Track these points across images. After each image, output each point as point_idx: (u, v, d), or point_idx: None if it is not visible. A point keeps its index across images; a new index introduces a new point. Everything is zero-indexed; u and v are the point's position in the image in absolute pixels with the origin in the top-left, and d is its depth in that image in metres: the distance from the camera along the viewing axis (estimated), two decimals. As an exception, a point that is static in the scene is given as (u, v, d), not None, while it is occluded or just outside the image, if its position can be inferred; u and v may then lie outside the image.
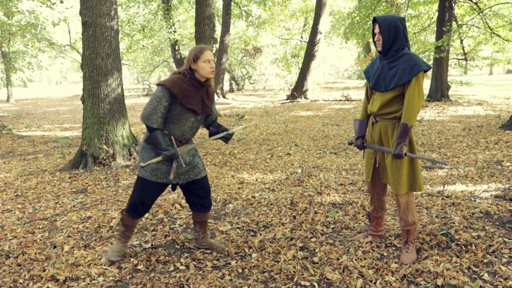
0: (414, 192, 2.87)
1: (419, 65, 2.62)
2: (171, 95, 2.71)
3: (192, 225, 3.37)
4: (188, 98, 2.76)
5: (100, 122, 6.21)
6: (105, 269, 2.85)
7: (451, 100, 13.15)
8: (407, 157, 2.74)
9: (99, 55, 6.13)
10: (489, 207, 3.76)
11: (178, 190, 4.39)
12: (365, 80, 3.30)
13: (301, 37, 26.50)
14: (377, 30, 2.74)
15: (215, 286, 2.58)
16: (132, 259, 2.97)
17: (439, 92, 13.22)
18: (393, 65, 2.73)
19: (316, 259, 2.89)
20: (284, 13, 23.24)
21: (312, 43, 16.18)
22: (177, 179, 2.89)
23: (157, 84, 2.77)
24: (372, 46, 29.30)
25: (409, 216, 2.83)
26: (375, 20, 2.76)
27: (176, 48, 18.33)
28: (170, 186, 2.96)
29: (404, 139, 2.65)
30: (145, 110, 2.72)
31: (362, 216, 3.73)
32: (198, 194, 3.02)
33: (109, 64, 6.20)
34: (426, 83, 19.94)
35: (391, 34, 2.69)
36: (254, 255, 3.01)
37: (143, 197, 2.87)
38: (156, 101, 2.70)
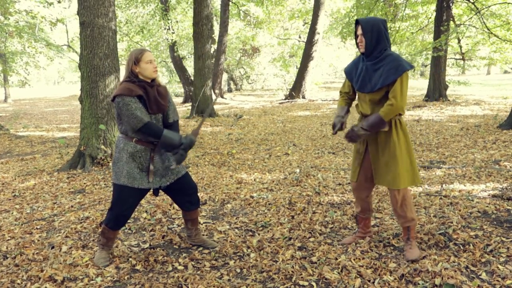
0: (412, 187, 2.86)
1: (403, 65, 2.67)
2: (137, 97, 2.70)
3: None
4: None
5: (98, 123, 6.20)
6: (103, 269, 2.85)
7: (449, 100, 13.18)
8: (405, 152, 2.77)
9: (97, 55, 6.12)
10: (487, 206, 3.77)
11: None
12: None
13: (299, 37, 26.49)
14: (359, 32, 2.78)
15: (214, 286, 2.58)
16: (130, 259, 2.97)
17: (437, 92, 13.25)
18: (378, 66, 2.76)
19: (314, 258, 2.89)
20: (282, 14, 23.22)
21: (310, 43, 16.21)
22: (159, 183, 2.87)
23: (115, 97, 2.72)
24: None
25: (407, 211, 2.82)
26: (357, 23, 2.80)
27: (175, 49, 18.33)
28: (151, 191, 2.94)
29: (371, 129, 2.73)
30: (128, 125, 2.69)
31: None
32: (184, 191, 3.01)
33: (107, 64, 6.19)
34: (424, 83, 20.01)
35: (374, 35, 2.73)
36: (252, 255, 3.01)
37: (124, 208, 2.83)
38: (126, 109, 2.66)
